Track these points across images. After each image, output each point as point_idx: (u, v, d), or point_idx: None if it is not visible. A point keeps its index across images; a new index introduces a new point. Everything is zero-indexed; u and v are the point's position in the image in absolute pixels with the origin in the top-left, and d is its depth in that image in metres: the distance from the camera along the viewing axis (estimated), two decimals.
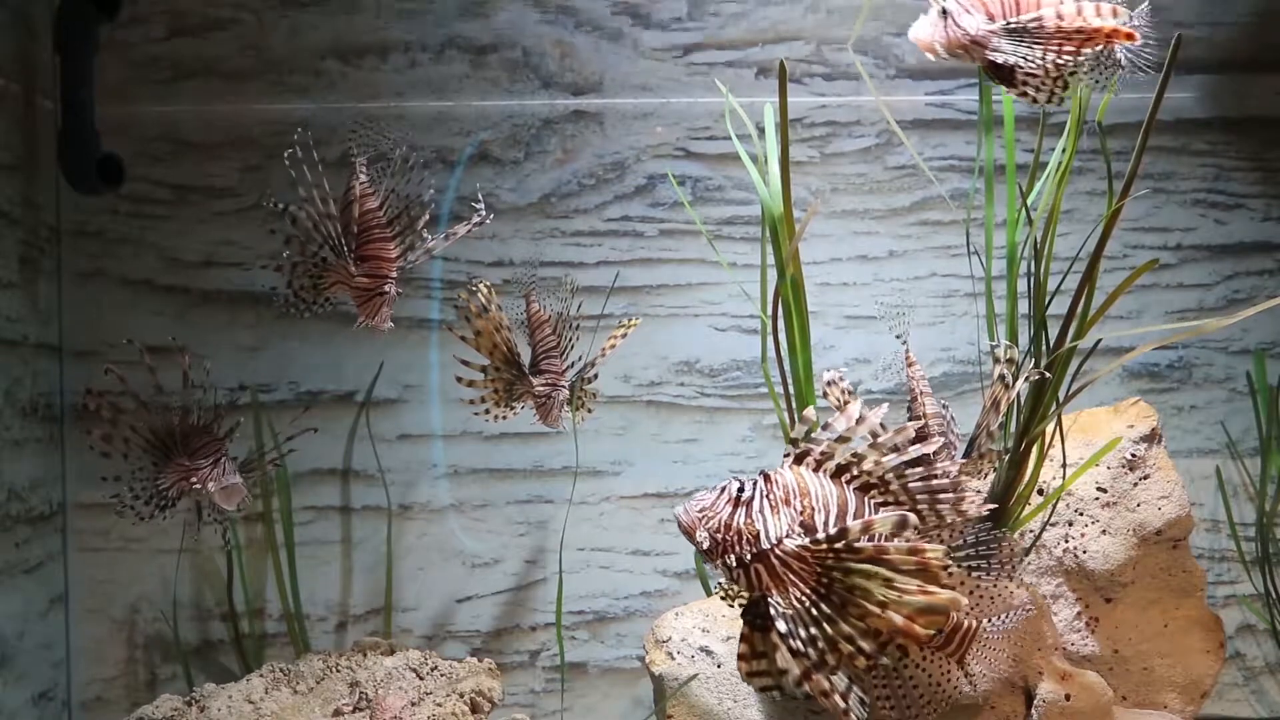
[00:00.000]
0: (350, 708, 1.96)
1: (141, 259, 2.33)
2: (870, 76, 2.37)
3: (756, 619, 1.46)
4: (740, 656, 1.47)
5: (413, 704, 1.96)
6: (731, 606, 1.56)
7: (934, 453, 1.46)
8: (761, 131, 2.00)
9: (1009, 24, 1.71)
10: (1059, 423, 1.88)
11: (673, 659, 1.91)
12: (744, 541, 1.41)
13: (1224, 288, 2.43)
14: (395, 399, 2.37)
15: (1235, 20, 2.39)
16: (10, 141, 2.13)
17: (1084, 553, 1.96)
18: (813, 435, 1.46)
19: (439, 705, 1.94)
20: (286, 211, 1.82)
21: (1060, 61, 1.70)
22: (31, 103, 2.19)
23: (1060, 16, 1.71)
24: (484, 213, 1.96)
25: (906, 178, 2.41)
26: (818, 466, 1.45)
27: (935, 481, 1.45)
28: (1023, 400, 1.89)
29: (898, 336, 1.95)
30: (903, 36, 2.37)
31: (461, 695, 1.96)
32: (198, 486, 1.88)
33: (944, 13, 1.72)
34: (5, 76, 2.11)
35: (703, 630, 1.90)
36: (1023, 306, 1.96)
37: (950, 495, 1.46)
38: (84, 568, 2.31)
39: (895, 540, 1.38)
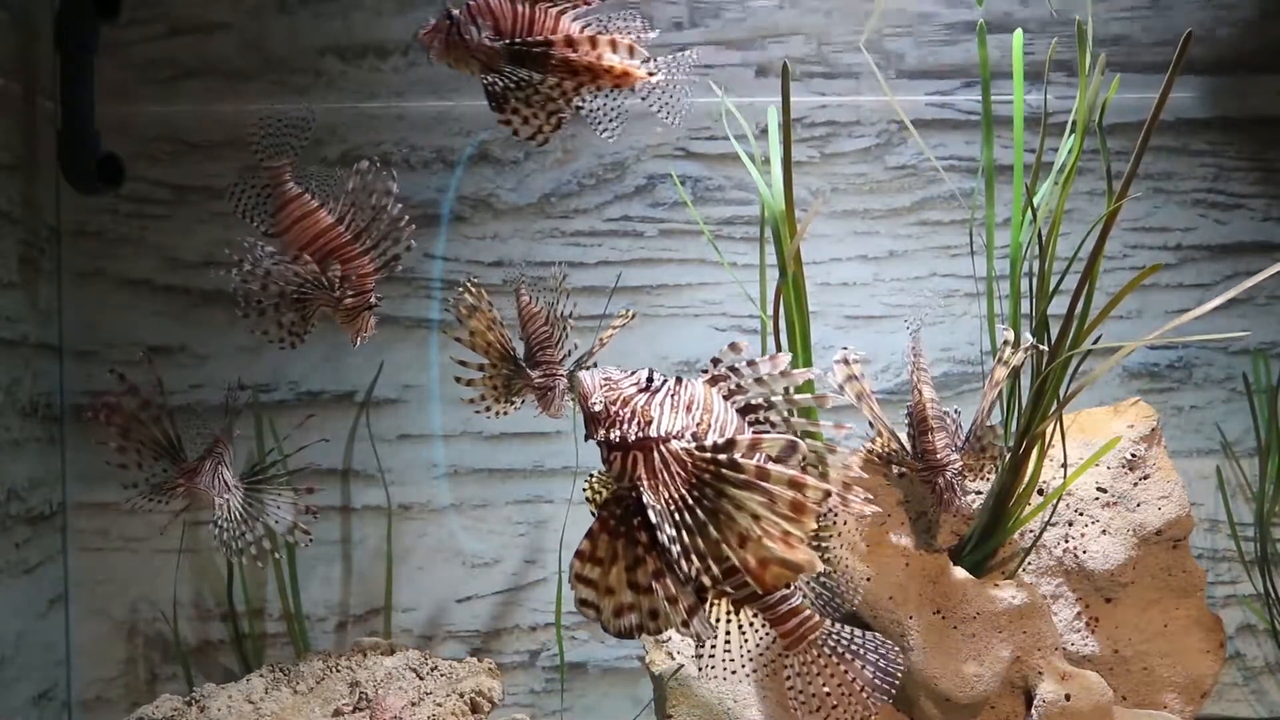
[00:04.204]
0: (350, 708, 1.96)
1: (141, 259, 2.33)
2: (869, 76, 2.37)
3: (610, 519, 1.39)
4: (578, 553, 1.38)
5: (413, 704, 1.96)
6: (593, 512, 1.47)
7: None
8: (761, 132, 2.00)
9: (513, 44, 1.60)
10: (1059, 422, 1.88)
11: (673, 659, 1.91)
12: (634, 422, 1.37)
13: (1224, 288, 2.42)
14: (395, 399, 2.37)
15: (1236, 20, 2.39)
16: (10, 141, 2.13)
17: (1084, 553, 1.96)
18: (736, 366, 1.42)
19: (439, 705, 1.94)
20: (256, 268, 1.81)
21: (557, 96, 1.61)
22: (31, 103, 2.19)
23: (571, 46, 1.60)
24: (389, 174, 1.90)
25: (906, 178, 2.41)
26: (729, 395, 1.43)
27: (834, 456, 1.42)
28: (1023, 398, 1.90)
29: (912, 332, 1.97)
30: (903, 37, 2.39)
31: (461, 695, 1.96)
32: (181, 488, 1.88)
33: (449, 18, 1.63)
34: (5, 76, 2.11)
35: None
36: (1023, 306, 1.96)
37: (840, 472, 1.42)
38: (84, 568, 2.31)
39: (779, 466, 1.33)
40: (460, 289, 1.93)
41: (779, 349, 1.88)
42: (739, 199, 2.40)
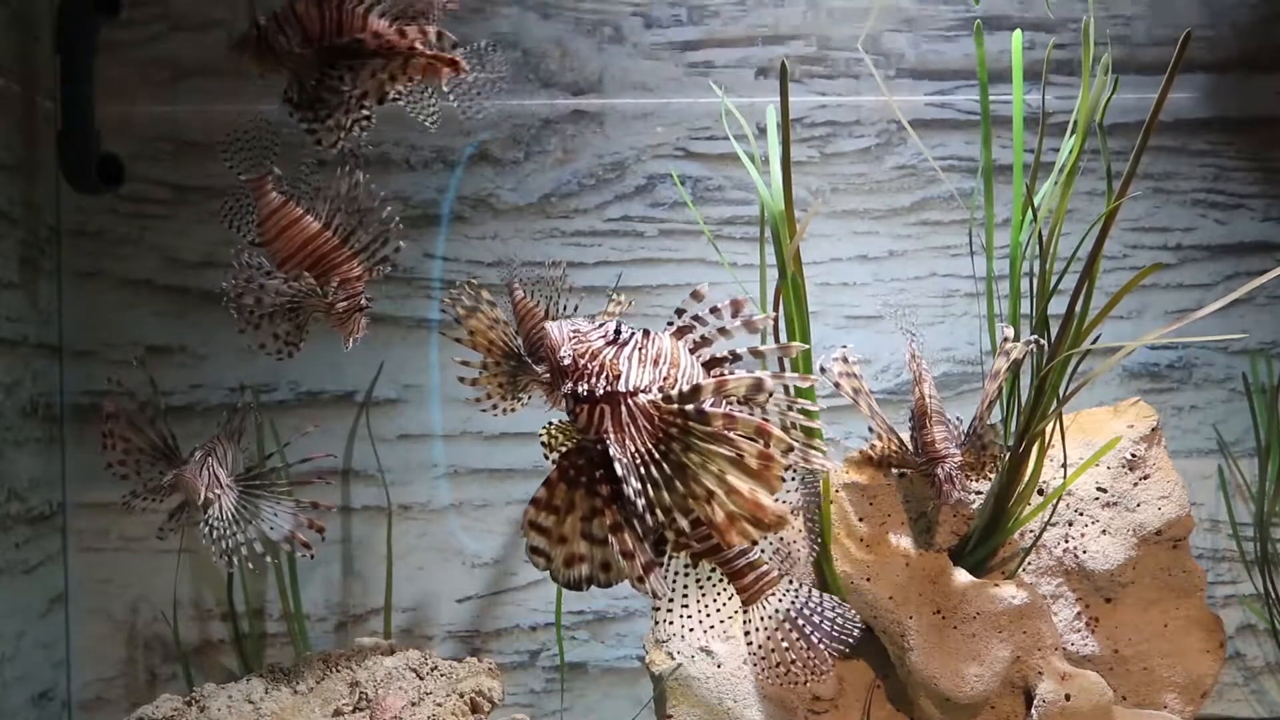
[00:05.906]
0: (350, 708, 1.96)
1: (141, 259, 2.33)
2: (869, 76, 2.37)
3: (570, 469, 1.38)
4: (534, 501, 1.37)
5: (413, 704, 1.96)
6: (548, 458, 1.47)
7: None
8: (761, 132, 2.00)
9: (324, 46, 1.62)
10: (1059, 422, 1.88)
11: (673, 659, 1.91)
12: (603, 376, 1.36)
13: (1224, 288, 2.43)
14: (395, 399, 2.37)
15: (1235, 20, 2.39)
16: (10, 141, 2.13)
17: (1084, 553, 1.97)
18: (699, 315, 1.41)
19: (439, 705, 1.94)
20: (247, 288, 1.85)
21: (367, 90, 1.62)
22: (31, 103, 2.19)
23: (380, 38, 1.62)
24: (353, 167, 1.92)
25: (906, 178, 2.41)
26: (695, 348, 1.42)
27: (793, 414, 1.42)
28: (1023, 397, 1.90)
29: (909, 334, 1.97)
30: (903, 35, 2.39)
31: (461, 695, 1.96)
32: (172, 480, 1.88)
33: (257, 27, 1.64)
34: (5, 76, 2.11)
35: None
36: (1023, 306, 1.96)
37: (802, 433, 1.41)
38: (84, 568, 2.31)
39: (745, 413, 1.32)
40: (457, 289, 1.93)
41: None
42: (739, 199, 2.39)
